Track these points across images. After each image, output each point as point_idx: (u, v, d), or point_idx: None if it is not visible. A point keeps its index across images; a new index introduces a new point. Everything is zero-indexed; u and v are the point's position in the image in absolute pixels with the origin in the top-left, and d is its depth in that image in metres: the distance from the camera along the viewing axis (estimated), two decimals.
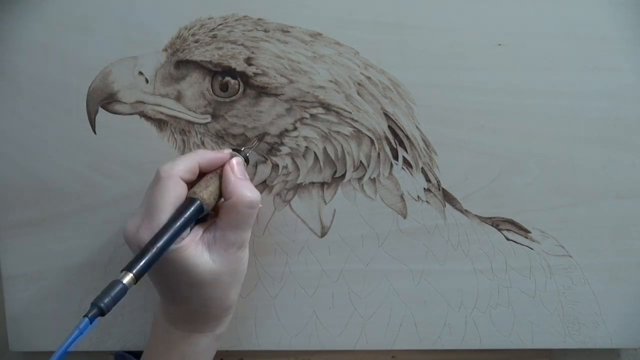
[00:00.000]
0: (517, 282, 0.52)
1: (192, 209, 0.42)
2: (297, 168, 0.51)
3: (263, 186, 0.51)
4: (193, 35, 0.49)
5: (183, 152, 0.51)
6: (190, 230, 0.44)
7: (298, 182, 0.52)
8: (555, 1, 0.49)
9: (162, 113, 0.50)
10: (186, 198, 0.43)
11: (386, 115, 0.51)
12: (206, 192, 0.44)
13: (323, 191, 0.52)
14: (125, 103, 0.50)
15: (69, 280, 0.53)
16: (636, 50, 0.50)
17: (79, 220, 0.52)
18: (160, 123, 0.51)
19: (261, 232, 0.52)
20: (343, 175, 0.51)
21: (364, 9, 0.49)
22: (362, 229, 0.52)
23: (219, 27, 0.49)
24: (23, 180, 0.52)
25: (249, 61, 0.49)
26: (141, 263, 0.39)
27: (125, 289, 0.37)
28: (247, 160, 0.48)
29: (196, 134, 0.51)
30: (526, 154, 0.51)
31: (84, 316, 0.35)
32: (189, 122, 0.51)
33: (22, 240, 0.52)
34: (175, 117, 0.51)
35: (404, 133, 0.51)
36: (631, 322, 0.53)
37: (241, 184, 0.44)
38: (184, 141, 0.51)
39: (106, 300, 0.36)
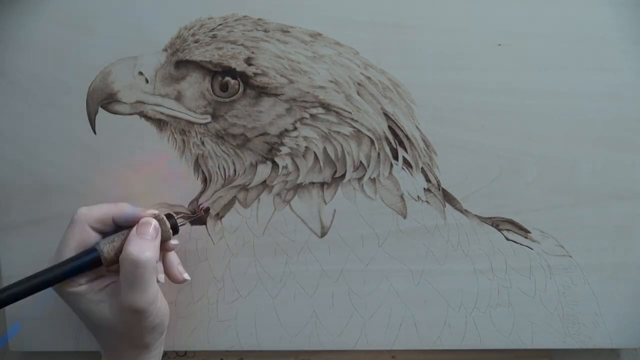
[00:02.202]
0: (517, 282, 0.52)
1: (88, 258, 0.43)
2: (297, 168, 0.51)
3: (263, 186, 0.51)
4: (193, 35, 0.49)
5: (183, 152, 0.51)
6: (94, 279, 0.45)
7: (298, 182, 0.52)
8: (556, 1, 0.49)
9: (162, 113, 0.50)
10: (91, 247, 0.44)
11: (386, 115, 0.51)
12: (109, 246, 0.44)
13: (323, 191, 0.52)
14: (125, 103, 0.50)
15: None
16: (636, 50, 0.50)
17: None
18: (160, 123, 0.51)
19: (261, 232, 0.52)
20: (343, 175, 0.51)
21: (364, 9, 0.49)
22: (362, 229, 0.52)
23: (219, 27, 0.49)
24: (23, 180, 0.52)
25: (249, 61, 0.49)
26: (11, 291, 0.41)
27: None
28: (175, 230, 0.46)
29: (196, 134, 0.51)
30: (526, 154, 0.51)
31: None
32: (189, 122, 0.51)
33: (22, 240, 0.52)
34: (175, 117, 0.51)
35: (404, 133, 0.51)
36: (631, 322, 0.53)
37: (135, 240, 0.43)
38: (184, 141, 0.51)
39: None
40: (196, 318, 0.53)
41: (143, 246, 0.43)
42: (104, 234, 0.45)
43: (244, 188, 0.51)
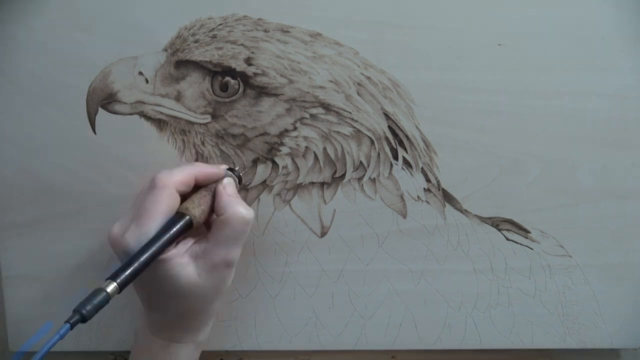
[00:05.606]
0: (517, 282, 0.52)
1: (182, 224, 0.42)
2: (297, 168, 0.51)
3: (263, 186, 0.51)
4: (193, 35, 0.49)
5: (183, 152, 0.51)
6: (177, 243, 0.44)
7: (298, 182, 0.52)
8: (555, 1, 0.49)
9: (162, 113, 0.50)
10: (177, 212, 0.43)
11: (386, 115, 0.51)
12: (198, 210, 0.44)
13: (323, 191, 0.52)
14: (125, 103, 0.50)
15: (69, 280, 0.53)
16: (636, 50, 0.50)
17: (79, 220, 0.52)
18: (160, 123, 0.51)
19: (261, 232, 0.52)
20: (343, 175, 0.51)
21: (364, 9, 0.49)
22: (362, 229, 0.52)
23: (219, 27, 0.49)
24: (23, 180, 0.52)
25: (248, 61, 0.49)
26: (126, 273, 0.39)
27: (108, 297, 0.37)
28: (240, 181, 0.48)
29: (196, 134, 0.51)
30: (526, 154, 0.51)
31: (65, 322, 0.35)
32: (189, 122, 0.51)
33: (22, 240, 0.52)
34: (175, 117, 0.51)
35: (404, 133, 0.51)
36: (631, 322, 0.53)
37: (235, 201, 0.45)
38: (184, 141, 0.51)
39: (88, 308, 0.36)
40: None
41: (245, 205, 0.45)
42: (183, 195, 0.45)
43: (244, 188, 0.51)
